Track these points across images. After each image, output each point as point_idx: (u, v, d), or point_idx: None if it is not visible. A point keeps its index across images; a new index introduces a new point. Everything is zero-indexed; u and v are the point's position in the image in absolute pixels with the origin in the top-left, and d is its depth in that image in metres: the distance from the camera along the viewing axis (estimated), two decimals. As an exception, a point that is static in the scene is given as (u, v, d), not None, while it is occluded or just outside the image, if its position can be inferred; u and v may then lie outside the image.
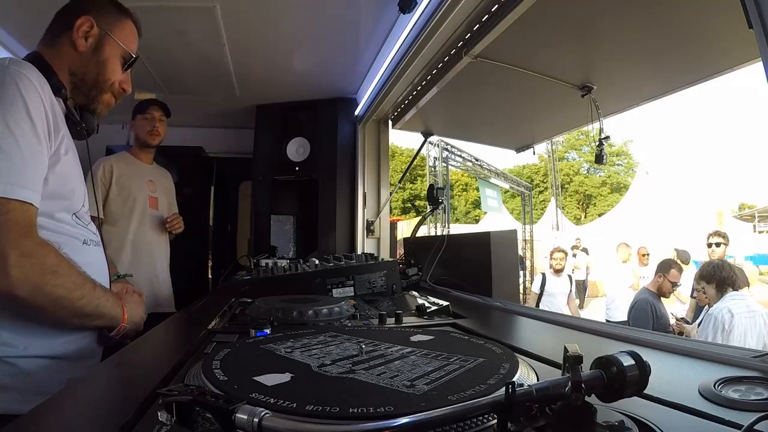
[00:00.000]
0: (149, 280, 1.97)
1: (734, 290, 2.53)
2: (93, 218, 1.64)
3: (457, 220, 21.88)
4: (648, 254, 5.67)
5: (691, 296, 3.70)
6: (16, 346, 0.80)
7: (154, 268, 2.01)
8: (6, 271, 0.74)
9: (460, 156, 8.23)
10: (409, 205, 24.07)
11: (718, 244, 3.55)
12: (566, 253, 5.06)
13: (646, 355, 0.37)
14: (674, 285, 3.32)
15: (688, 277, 3.77)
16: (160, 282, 2.03)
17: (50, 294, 0.79)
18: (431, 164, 7.98)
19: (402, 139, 21.68)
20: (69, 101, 0.95)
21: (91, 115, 1.01)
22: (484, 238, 1.51)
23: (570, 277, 5.10)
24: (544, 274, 5.03)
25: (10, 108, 0.77)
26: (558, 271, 4.83)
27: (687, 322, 3.18)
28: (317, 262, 1.43)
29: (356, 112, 2.67)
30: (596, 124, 2.80)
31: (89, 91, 0.99)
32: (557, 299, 4.74)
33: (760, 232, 13.49)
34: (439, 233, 6.26)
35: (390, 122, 2.77)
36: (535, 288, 4.98)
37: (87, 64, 0.96)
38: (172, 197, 2.25)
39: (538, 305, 4.66)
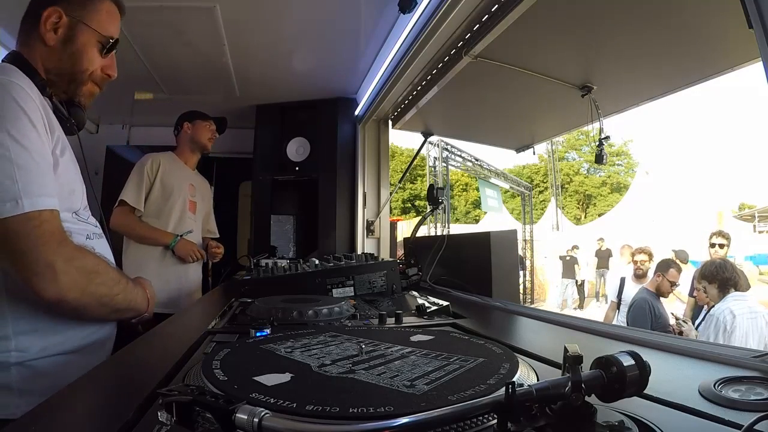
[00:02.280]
0: (178, 278, 2.02)
1: (736, 291, 2.53)
2: (129, 207, 1.92)
3: (457, 220, 21.87)
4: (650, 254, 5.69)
5: (690, 295, 3.68)
6: (33, 349, 0.81)
7: (186, 267, 2.06)
8: (56, 279, 0.76)
9: (460, 156, 8.24)
10: (409, 205, 24.06)
11: (722, 246, 3.47)
12: (651, 255, 4.06)
13: (646, 355, 0.37)
14: (673, 285, 3.32)
15: (686, 277, 3.73)
16: (190, 281, 2.08)
17: (95, 293, 0.84)
18: (431, 164, 7.99)
19: (402, 139, 21.64)
20: (54, 98, 0.92)
21: (78, 108, 0.97)
22: (484, 238, 1.51)
23: None
24: (623, 279, 4.10)
25: (14, 122, 0.76)
26: (641, 277, 3.92)
27: (684, 322, 3.16)
28: (317, 262, 1.43)
29: (356, 112, 2.67)
30: (596, 124, 2.81)
31: (67, 87, 0.94)
32: None
33: (760, 232, 13.48)
34: (439, 233, 6.27)
35: (390, 122, 2.77)
36: (614, 296, 4.03)
37: (59, 59, 0.91)
38: (210, 206, 2.32)
39: (616, 317, 3.84)
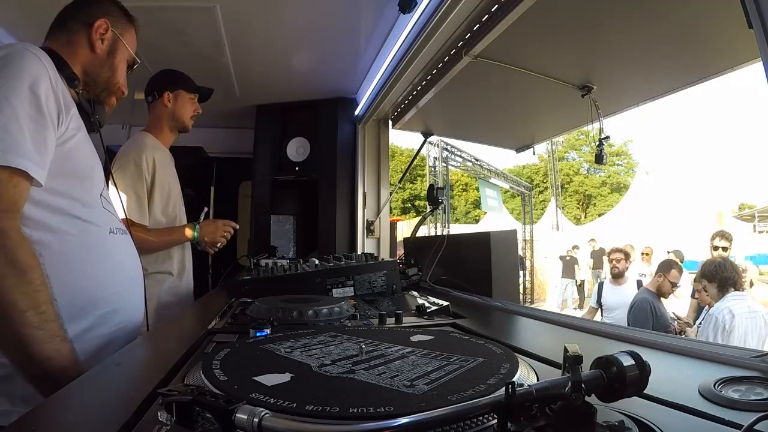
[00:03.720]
0: (190, 283, 1.78)
1: (735, 290, 2.53)
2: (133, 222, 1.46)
3: (457, 220, 21.88)
4: (651, 253, 5.79)
5: (692, 297, 3.67)
6: None
7: (190, 272, 1.80)
8: None
9: (460, 156, 8.24)
10: (409, 205, 24.07)
11: (725, 248, 3.37)
12: (627, 254, 4.00)
13: (646, 355, 0.37)
14: (674, 285, 3.32)
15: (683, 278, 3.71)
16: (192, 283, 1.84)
17: (5, 293, 0.67)
18: (431, 164, 7.99)
19: (402, 139, 21.67)
20: (82, 94, 0.95)
21: (101, 107, 1.02)
22: (484, 238, 1.51)
23: (639, 282, 4.00)
24: (601, 283, 4.03)
25: (11, 80, 0.75)
26: (617, 277, 3.87)
27: (689, 325, 3.16)
28: (317, 262, 1.42)
29: (356, 112, 2.67)
30: (596, 124, 2.81)
31: (100, 93, 1.00)
32: (616, 314, 3.67)
33: (760, 232, 13.48)
34: (439, 233, 6.27)
35: (390, 122, 2.77)
36: (593, 302, 3.98)
37: (102, 66, 0.98)
38: None
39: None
